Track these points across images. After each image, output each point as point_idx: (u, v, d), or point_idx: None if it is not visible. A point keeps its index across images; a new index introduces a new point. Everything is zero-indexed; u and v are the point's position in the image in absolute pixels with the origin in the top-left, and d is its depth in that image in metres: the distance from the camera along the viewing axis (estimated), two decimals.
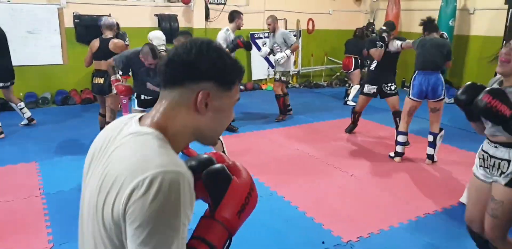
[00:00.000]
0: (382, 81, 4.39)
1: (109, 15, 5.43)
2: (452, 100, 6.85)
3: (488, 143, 1.91)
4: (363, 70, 6.46)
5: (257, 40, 7.49)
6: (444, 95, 3.83)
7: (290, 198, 3.12)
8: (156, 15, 6.41)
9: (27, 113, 4.86)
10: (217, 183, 0.84)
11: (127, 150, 0.78)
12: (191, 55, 0.80)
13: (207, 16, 6.85)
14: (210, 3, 6.86)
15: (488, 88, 1.70)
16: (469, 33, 6.82)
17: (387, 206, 3.07)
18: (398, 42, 4.22)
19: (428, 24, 3.97)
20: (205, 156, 0.94)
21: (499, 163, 1.83)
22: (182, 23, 6.67)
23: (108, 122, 4.22)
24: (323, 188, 3.36)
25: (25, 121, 4.90)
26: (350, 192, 3.31)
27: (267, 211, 2.86)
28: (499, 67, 1.75)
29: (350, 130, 4.93)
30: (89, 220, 0.82)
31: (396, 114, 4.39)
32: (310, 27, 8.04)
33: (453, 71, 6.98)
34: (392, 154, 4.07)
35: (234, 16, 4.95)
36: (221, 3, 6.96)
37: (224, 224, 0.82)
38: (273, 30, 5.24)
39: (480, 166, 1.96)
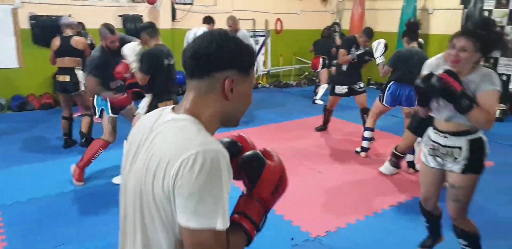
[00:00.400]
0: (352, 81, 4.50)
1: (69, 16, 5.29)
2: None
3: (436, 133, 2.03)
4: (329, 69, 6.58)
5: None
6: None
7: None
8: (120, 15, 6.28)
9: None
10: (254, 166, 0.94)
11: (168, 134, 0.87)
12: (213, 48, 0.88)
13: (173, 17, 6.77)
14: (177, 3, 6.80)
15: (445, 69, 1.87)
16: (428, 32, 7.08)
17: (353, 200, 3.14)
18: (380, 60, 4.03)
19: (413, 31, 3.85)
20: (228, 139, 1.04)
21: (452, 151, 1.97)
22: None
23: (86, 115, 4.19)
24: (292, 186, 3.38)
25: None
26: (318, 188, 3.36)
27: None
28: (452, 68, 1.89)
29: (321, 129, 5.01)
30: (136, 201, 0.89)
31: (364, 111, 4.50)
32: (279, 27, 8.11)
33: None
34: (358, 149, 4.17)
35: (211, 20, 5.26)
36: (188, 3, 6.90)
37: (261, 201, 0.92)
38: (234, 31, 5.26)
39: (430, 155, 2.09)
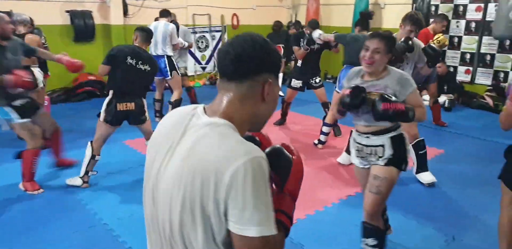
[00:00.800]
0: (308, 76, 4.54)
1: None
2: None
3: (359, 134, 2.11)
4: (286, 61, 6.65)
5: None
6: None
7: None
8: (68, 11, 5.96)
9: None
10: (283, 164, 0.96)
11: (212, 140, 0.86)
12: (259, 51, 0.90)
13: (125, 12, 6.52)
14: None
15: (380, 97, 1.90)
16: (381, 26, 7.30)
17: (314, 191, 3.18)
18: (318, 32, 4.22)
19: (365, 20, 4.09)
20: (247, 135, 1.04)
21: (375, 150, 2.04)
22: (98, 20, 6.29)
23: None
24: None
25: None
26: None
27: None
28: (366, 69, 2.00)
29: (280, 122, 5.03)
30: (172, 202, 0.89)
31: (325, 105, 4.58)
32: (235, 23, 8.05)
33: None
34: (316, 141, 4.24)
35: (168, 13, 5.04)
36: None
37: (291, 195, 0.97)
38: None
39: (357, 156, 2.16)
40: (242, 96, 0.92)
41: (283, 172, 0.96)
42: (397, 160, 2.00)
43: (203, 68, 8.02)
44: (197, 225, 0.86)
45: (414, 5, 6.45)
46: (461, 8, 6.33)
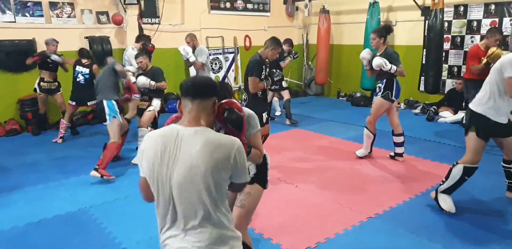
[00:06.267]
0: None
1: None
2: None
3: None
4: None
5: None
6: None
7: None
8: (87, 37, 6.17)
9: None
10: (239, 123, 1.63)
11: (206, 138, 1.36)
12: (210, 83, 1.49)
13: None
14: (144, 23, 6.76)
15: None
16: (393, 43, 7.32)
17: (331, 214, 3.11)
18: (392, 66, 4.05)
19: (388, 33, 4.20)
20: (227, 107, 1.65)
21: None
22: (115, 45, 6.48)
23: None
24: (269, 203, 3.34)
25: None
26: (294, 203, 3.32)
27: None
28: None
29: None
30: (189, 187, 1.35)
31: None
32: (247, 44, 8.19)
33: None
34: (392, 154, 4.46)
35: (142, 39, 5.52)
36: (155, 23, 6.88)
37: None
38: (193, 47, 5.54)
39: None
40: (207, 110, 1.46)
41: (234, 122, 1.59)
42: (260, 179, 2.13)
43: None
44: (217, 198, 1.38)
45: (427, 21, 6.45)
46: (475, 24, 6.32)
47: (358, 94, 7.85)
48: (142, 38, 5.46)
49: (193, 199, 1.35)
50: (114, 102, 4.03)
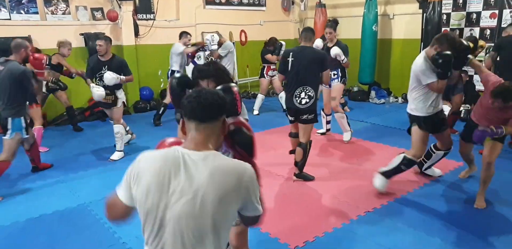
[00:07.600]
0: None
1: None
2: (382, 101, 7.25)
3: None
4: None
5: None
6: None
7: None
8: (82, 34, 6.13)
9: None
10: (250, 147, 1.57)
11: (215, 163, 1.20)
12: (219, 100, 1.27)
13: (136, 33, 6.68)
14: (139, 19, 6.71)
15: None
16: (391, 37, 7.29)
17: (329, 208, 3.12)
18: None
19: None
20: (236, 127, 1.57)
21: None
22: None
23: None
24: (267, 197, 3.34)
25: None
26: (292, 197, 3.33)
27: None
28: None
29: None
30: (192, 217, 1.16)
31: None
32: (243, 39, 8.14)
33: (379, 72, 7.41)
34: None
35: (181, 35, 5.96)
36: (150, 19, 6.83)
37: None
38: (220, 45, 6.10)
39: None
40: (213, 133, 1.27)
41: (244, 145, 1.53)
42: None
43: None
44: (228, 226, 1.26)
45: (425, 14, 6.42)
46: (474, 16, 6.27)
47: (356, 89, 7.84)
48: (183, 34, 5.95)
49: (193, 233, 1.17)
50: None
